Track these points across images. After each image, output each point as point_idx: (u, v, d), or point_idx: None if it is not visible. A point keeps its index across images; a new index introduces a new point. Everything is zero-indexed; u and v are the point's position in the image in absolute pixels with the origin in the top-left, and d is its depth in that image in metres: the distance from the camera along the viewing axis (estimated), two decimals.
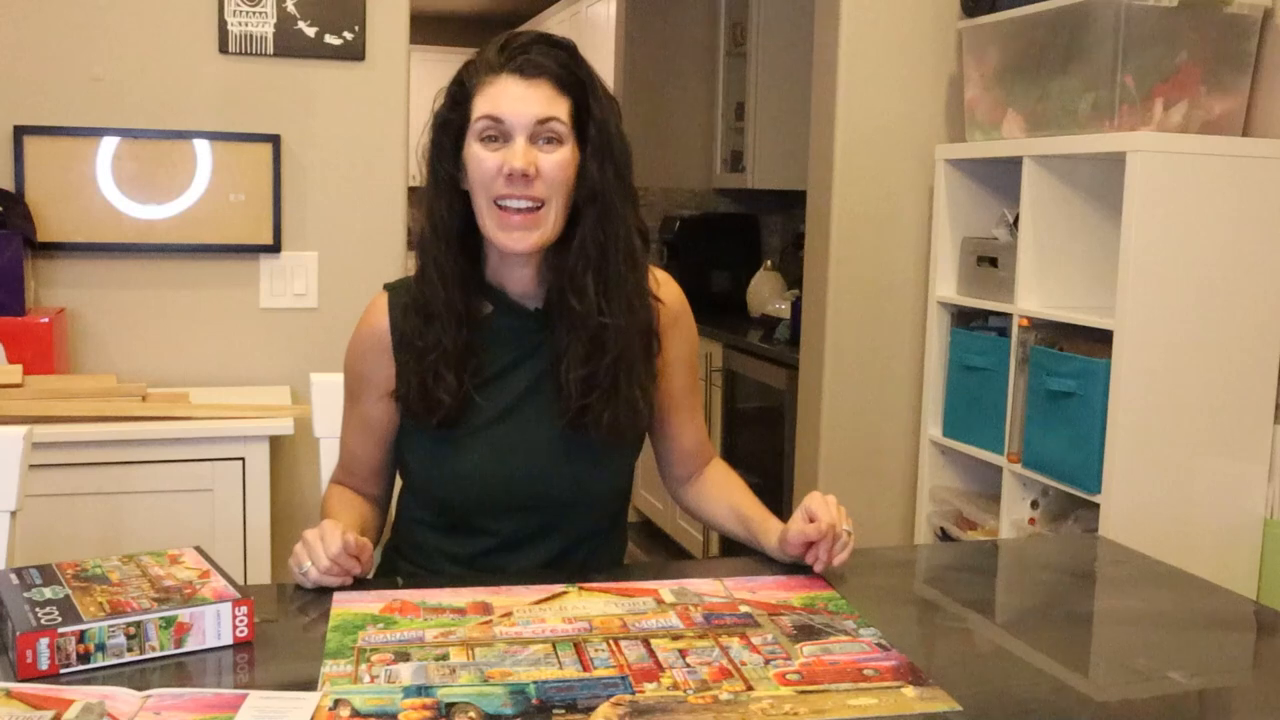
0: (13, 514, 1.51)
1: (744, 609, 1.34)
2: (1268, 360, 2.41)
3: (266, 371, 2.63)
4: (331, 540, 1.36)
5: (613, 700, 1.09)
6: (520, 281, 1.53)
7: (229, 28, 2.53)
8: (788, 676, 1.15)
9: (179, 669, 1.17)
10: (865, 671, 1.17)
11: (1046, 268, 2.59)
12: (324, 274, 2.64)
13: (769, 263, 4.56)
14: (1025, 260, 2.58)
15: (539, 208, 1.44)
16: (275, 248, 2.59)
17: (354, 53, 2.60)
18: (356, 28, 2.59)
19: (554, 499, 1.52)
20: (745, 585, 1.42)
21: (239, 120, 2.56)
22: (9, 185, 2.44)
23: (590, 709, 1.07)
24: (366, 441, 1.59)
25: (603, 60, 4.88)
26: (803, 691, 1.12)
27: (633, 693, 1.11)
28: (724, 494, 1.65)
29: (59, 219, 2.47)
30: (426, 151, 1.50)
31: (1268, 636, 1.41)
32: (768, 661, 1.19)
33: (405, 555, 1.60)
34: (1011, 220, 2.70)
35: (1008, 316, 2.65)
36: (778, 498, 3.47)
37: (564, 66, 1.45)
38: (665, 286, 1.60)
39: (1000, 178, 2.84)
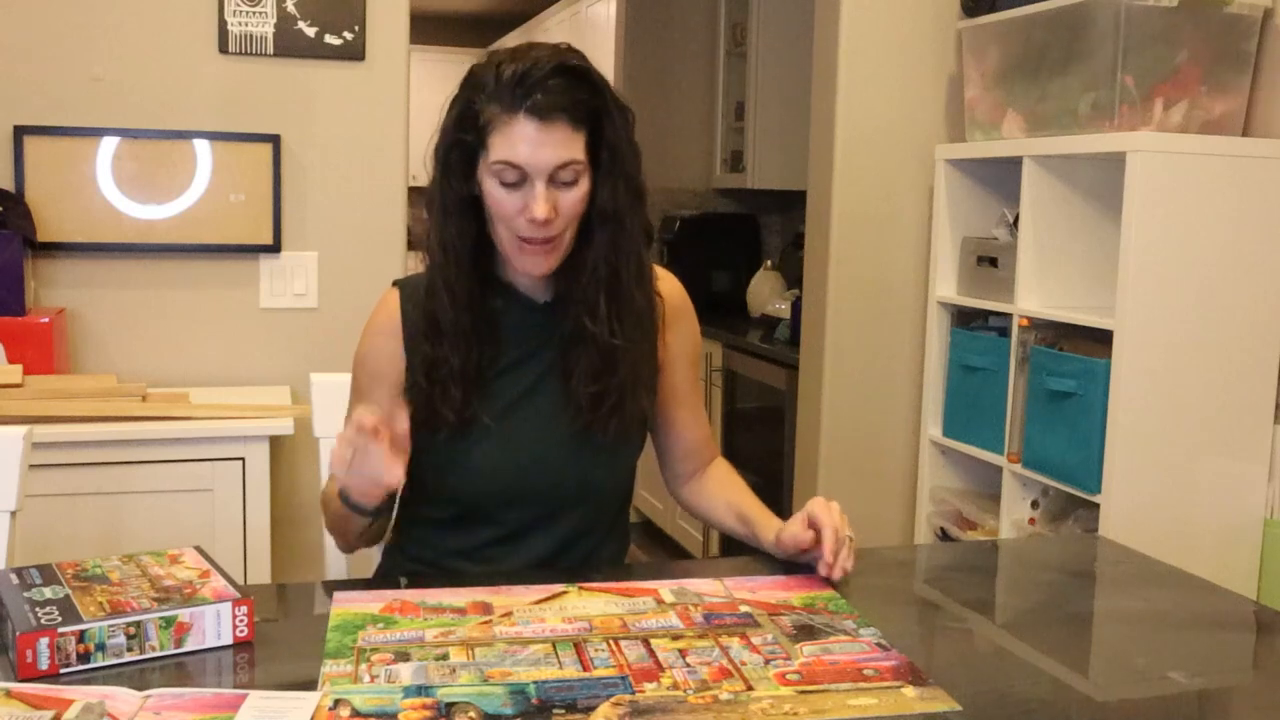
0: (13, 514, 1.51)
1: (744, 609, 1.34)
2: (1268, 360, 2.41)
3: (266, 371, 2.63)
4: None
5: (613, 700, 1.09)
6: (529, 278, 1.54)
7: (229, 28, 2.53)
8: (788, 676, 1.15)
9: (179, 669, 1.17)
10: (865, 671, 1.17)
11: (1046, 268, 2.59)
12: (324, 274, 2.64)
13: (769, 263, 4.56)
14: (1025, 260, 2.58)
15: (556, 237, 1.46)
16: (275, 248, 2.59)
17: (354, 53, 2.60)
18: (356, 28, 2.59)
19: (560, 489, 1.54)
20: (745, 585, 1.42)
21: (239, 120, 2.56)
22: (9, 185, 2.44)
23: (590, 709, 1.07)
24: None
25: (603, 60, 4.88)
26: (803, 691, 1.12)
27: (633, 693, 1.11)
28: (723, 491, 1.67)
29: (59, 219, 2.47)
30: (435, 167, 1.49)
31: (1268, 636, 1.41)
32: (768, 661, 1.19)
33: (407, 553, 1.61)
34: (1011, 220, 2.70)
35: (1008, 316, 2.65)
36: (778, 498, 3.46)
37: (579, 102, 1.43)
38: (665, 282, 1.62)
39: (1000, 178, 2.84)
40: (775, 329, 3.90)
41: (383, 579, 1.61)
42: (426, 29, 6.23)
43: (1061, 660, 1.28)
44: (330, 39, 2.58)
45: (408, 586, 1.39)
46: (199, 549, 1.38)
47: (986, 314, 2.84)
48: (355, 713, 1.05)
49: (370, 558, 1.72)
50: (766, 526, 1.55)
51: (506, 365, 1.54)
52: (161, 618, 1.18)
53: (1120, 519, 2.31)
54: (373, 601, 1.33)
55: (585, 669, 1.16)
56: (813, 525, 1.46)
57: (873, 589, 1.44)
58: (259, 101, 2.57)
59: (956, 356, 2.87)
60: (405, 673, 1.14)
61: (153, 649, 1.18)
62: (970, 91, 2.87)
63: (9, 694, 1.06)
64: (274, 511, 2.26)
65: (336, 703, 1.07)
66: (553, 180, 1.42)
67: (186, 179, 2.53)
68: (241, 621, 1.22)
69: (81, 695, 1.07)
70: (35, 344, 2.28)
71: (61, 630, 1.14)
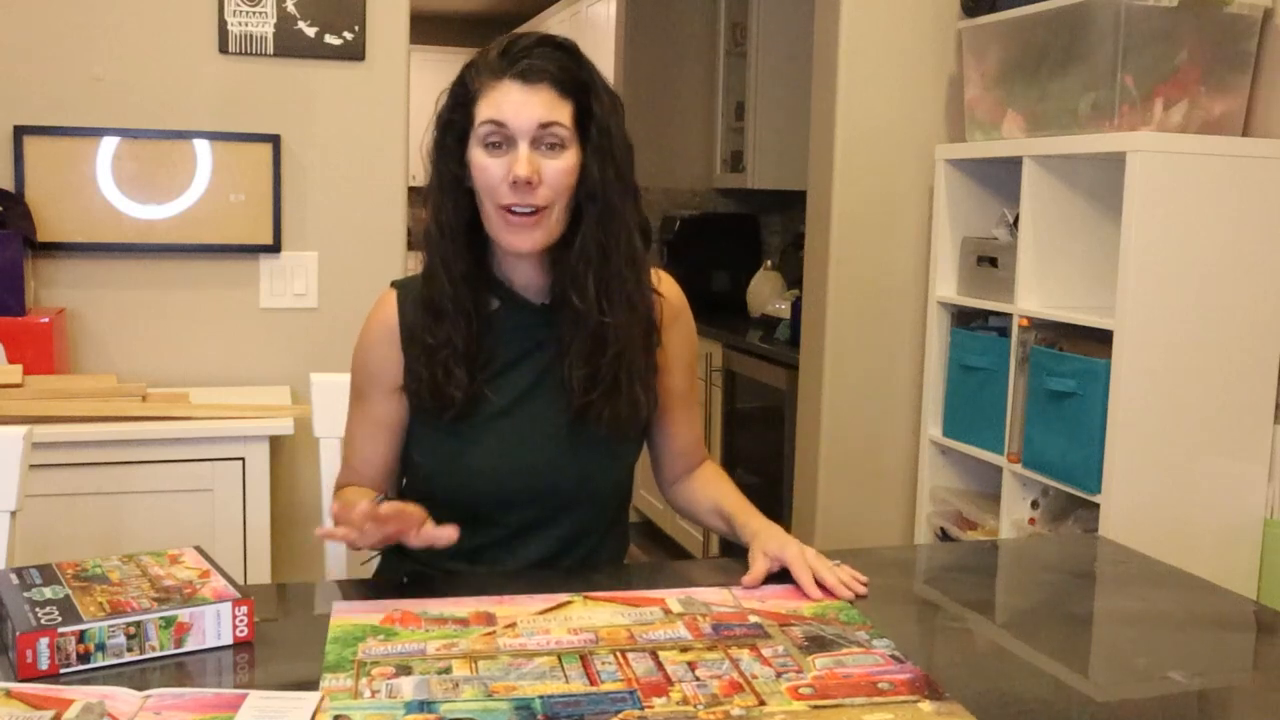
0: (13, 514, 1.51)
1: (753, 619, 1.31)
2: (1268, 360, 2.41)
3: (266, 371, 2.62)
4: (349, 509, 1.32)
5: (621, 716, 1.07)
6: (526, 276, 1.55)
7: (229, 28, 2.52)
8: (800, 690, 1.12)
9: (179, 669, 1.17)
10: (880, 685, 1.14)
11: (1046, 268, 2.58)
12: (324, 274, 2.64)
13: (769, 263, 4.56)
14: (1025, 260, 2.58)
15: (542, 210, 1.45)
16: (275, 248, 2.59)
17: (354, 53, 2.60)
18: (356, 28, 2.59)
19: (560, 489, 1.54)
20: (754, 594, 1.40)
21: (239, 120, 2.56)
22: (9, 185, 2.44)
23: None
24: (377, 440, 1.59)
25: (603, 60, 4.87)
26: (816, 706, 1.09)
27: (641, 708, 1.08)
28: (707, 490, 1.68)
29: (59, 219, 2.47)
30: (431, 152, 1.51)
31: (1268, 636, 1.41)
32: (779, 675, 1.15)
33: (408, 555, 1.60)
34: (1011, 220, 2.70)
35: (1008, 316, 2.65)
36: (778, 498, 3.46)
37: (565, 69, 1.46)
38: (665, 284, 1.63)
39: (1000, 178, 2.84)
40: (775, 329, 3.90)
41: (385, 579, 1.61)
42: (426, 29, 6.23)
43: (1062, 660, 1.28)
44: (330, 39, 2.57)
45: (410, 586, 1.38)
46: (199, 549, 1.38)
47: (986, 314, 2.84)
48: None
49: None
50: (744, 525, 1.56)
51: (505, 367, 1.54)
52: (161, 618, 1.18)
53: (1120, 519, 2.31)
54: (373, 612, 1.30)
55: (592, 683, 1.13)
56: (784, 568, 1.45)
57: (872, 589, 1.44)
58: (259, 101, 2.56)
59: (956, 356, 2.87)
60: (407, 687, 1.11)
61: (153, 649, 1.18)
62: (970, 91, 2.87)
63: (9, 694, 1.06)
64: (274, 511, 2.25)
65: (336, 719, 1.05)
66: (538, 144, 1.44)
67: (186, 179, 2.53)
68: (241, 621, 1.22)
69: (81, 695, 1.06)
70: (35, 344, 2.28)
71: (61, 630, 1.14)
